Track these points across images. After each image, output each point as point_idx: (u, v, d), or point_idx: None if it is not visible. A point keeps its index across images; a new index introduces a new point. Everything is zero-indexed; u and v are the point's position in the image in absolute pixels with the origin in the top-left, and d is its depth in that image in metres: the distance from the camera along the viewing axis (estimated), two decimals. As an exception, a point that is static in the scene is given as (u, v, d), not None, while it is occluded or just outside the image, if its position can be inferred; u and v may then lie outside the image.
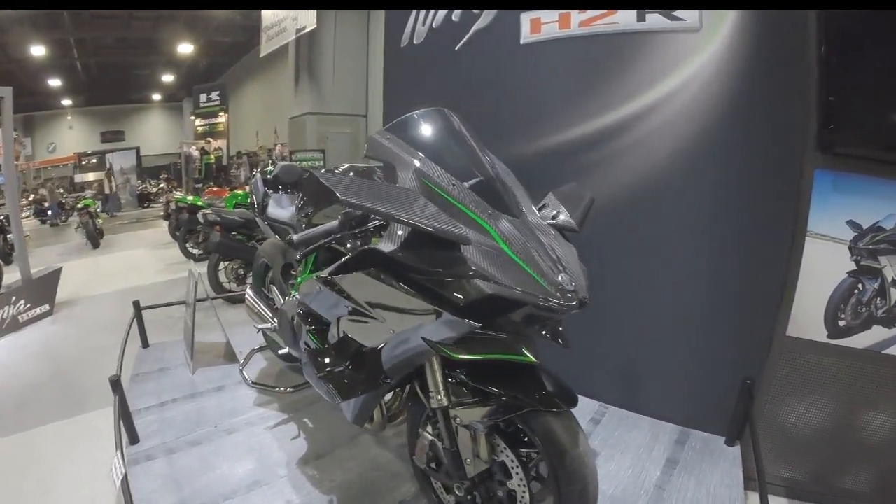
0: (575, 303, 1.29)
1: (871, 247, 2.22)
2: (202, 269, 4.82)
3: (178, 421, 2.51)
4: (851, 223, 2.24)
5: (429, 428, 1.69)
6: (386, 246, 1.33)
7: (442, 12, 3.23)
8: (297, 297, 2.13)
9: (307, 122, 9.36)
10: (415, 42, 3.43)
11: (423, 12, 3.34)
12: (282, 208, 2.62)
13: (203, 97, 15.35)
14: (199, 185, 11.20)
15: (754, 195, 2.38)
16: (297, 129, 9.69)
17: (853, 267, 2.26)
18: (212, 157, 13.81)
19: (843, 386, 2.31)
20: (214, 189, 7.55)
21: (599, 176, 2.67)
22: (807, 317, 2.34)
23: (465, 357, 1.38)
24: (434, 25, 3.29)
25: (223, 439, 2.39)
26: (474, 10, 3.04)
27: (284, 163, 2.95)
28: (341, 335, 1.67)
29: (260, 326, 2.68)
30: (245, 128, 14.65)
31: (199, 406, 2.67)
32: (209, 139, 14.71)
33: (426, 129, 1.64)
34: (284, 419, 2.60)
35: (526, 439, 1.55)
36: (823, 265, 2.29)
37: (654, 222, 2.56)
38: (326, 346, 1.73)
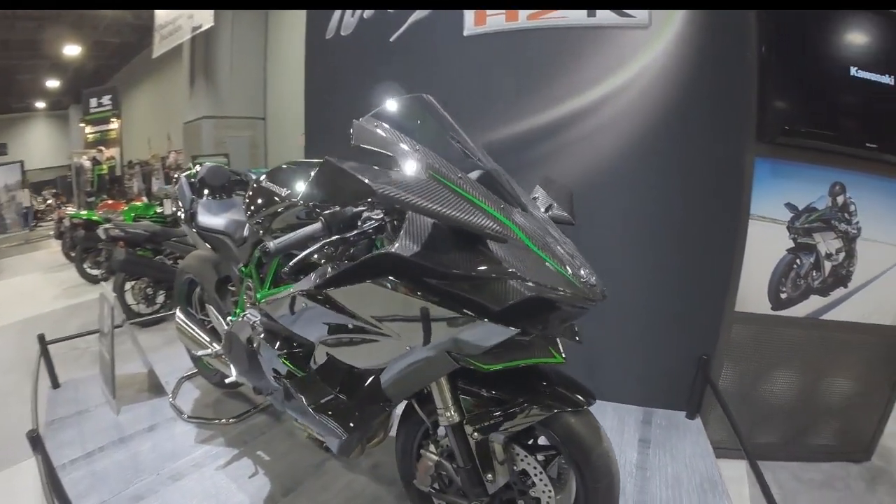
0: (600, 297, 1.15)
1: (806, 226, 2.32)
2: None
3: (111, 473, 2.01)
4: (789, 205, 2.33)
5: (431, 447, 1.49)
6: (405, 249, 1.08)
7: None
8: (252, 315, 1.79)
9: (203, 127, 8.42)
10: (342, 33, 3.11)
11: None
12: (214, 215, 2.22)
13: (93, 102, 13.15)
14: (92, 199, 9.73)
15: (701, 183, 2.41)
16: (193, 135, 8.69)
17: (791, 244, 2.36)
18: (104, 167, 12.02)
19: (789, 351, 2.43)
20: (109, 202, 6.52)
21: (550, 169, 2.56)
22: (752, 292, 2.40)
23: (496, 367, 1.20)
24: (365, 16, 2.99)
25: (170, 489, 1.94)
26: (414, 0, 2.79)
27: (210, 164, 2.51)
28: (327, 357, 1.41)
29: (199, 353, 2.23)
30: (137, 135, 12.96)
31: (132, 452, 2.17)
32: (101, 148, 12.80)
33: (413, 117, 1.39)
34: (236, 455, 2.20)
35: (542, 442, 1.42)
36: (765, 244, 2.37)
37: (606, 212, 2.51)
38: (311, 372, 1.46)
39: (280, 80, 8.76)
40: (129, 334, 2.64)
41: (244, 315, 1.87)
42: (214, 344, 2.24)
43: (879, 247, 2.28)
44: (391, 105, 1.39)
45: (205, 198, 2.39)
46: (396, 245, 1.08)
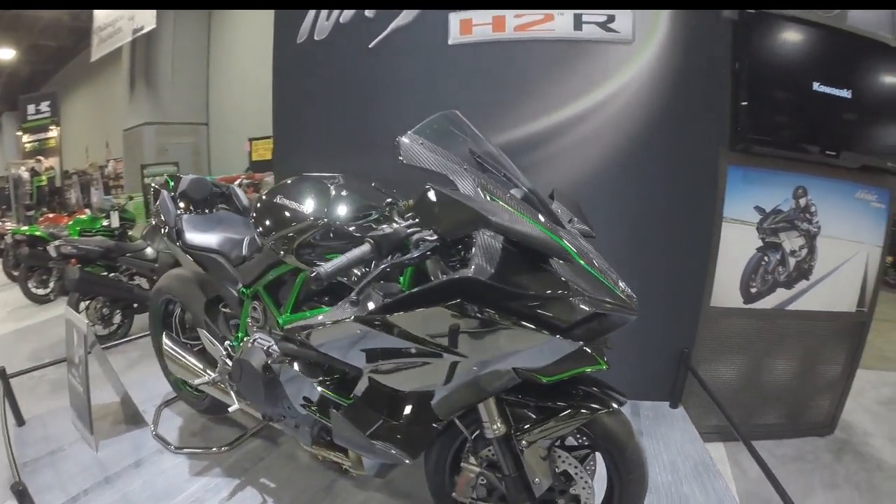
0: (636, 307, 1.19)
1: (773, 226, 2.46)
2: (54, 312, 3.64)
3: (103, 521, 1.77)
4: (758, 208, 2.46)
5: (472, 459, 1.46)
6: (481, 272, 1.05)
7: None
8: (263, 340, 1.66)
9: (144, 134, 7.75)
10: (316, 38, 2.93)
11: (327, 5, 2.88)
12: (203, 232, 2.01)
13: (31, 108, 11.67)
14: (32, 213, 8.65)
15: (679, 189, 2.49)
16: (134, 142, 7.98)
17: (760, 244, 2.50)
18: (44, 178, 10.72)
19: (760, 340, 2.56)
20: (50, 216, 5.81)
21: (536, 178, 2.53)
22: (726, 288, 2.52)
23: (557, 378, 1.20)
24: (342, 21, 2.83)
25: (175, 531, 1.74)
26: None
27: (192, 176, 2.28)
28: (369, 382, 1.35)
29: (196, 382, 2.02)
30: (74, 143, 11.68)
31: (121, 493, 1.93)
32: (39, 158, 11.41)
33: (453, 135, 1.36)
34: (238, 485, 2.01)
35: (569, 442, 1.45)
36: (737, 244, 2.50)
37: (591, 218, 2.52)
38: (357, 400, 1.37)
39: (223, 84, 8.25)
40: (98, 360, 2.35)
41: (253, 340, 1.71)
42: (209, 370, 2.04)
43: (837, 242, 2.45)
44: (434, 122, 1.37)
45: (187, 213, 2.18)
46: (472, 269, 1.05)
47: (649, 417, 2.50)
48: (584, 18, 2.41)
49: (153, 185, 2.35)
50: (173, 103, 7.85)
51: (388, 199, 1.48)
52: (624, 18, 2.38)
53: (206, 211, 2.26)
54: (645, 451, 1.40)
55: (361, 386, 1.38)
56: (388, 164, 2.84)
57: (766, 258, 2.49)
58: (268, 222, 1.54)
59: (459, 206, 1.05)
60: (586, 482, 1.42)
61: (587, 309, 1.08)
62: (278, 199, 1.55)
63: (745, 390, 2.57)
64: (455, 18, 2.56)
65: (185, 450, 2.19)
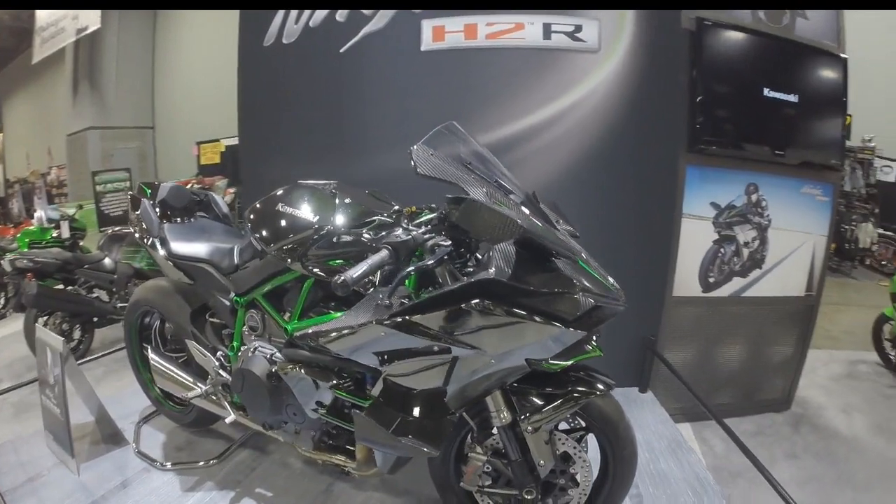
0: (624, 300, 1.29)
1: (727, 220, 2.62)
2: (8, 329, 3.35)
3: (99, 547, 1.67)
4: (714, 204, 2.60)
5: (478, 448, 1.51)
6: (501, 273, 1.12)
7: (322, 10, 2.73)
8: (265, 348, 1.64)
9: (89, 139, 7.22)
10: (284, 41, 2.85)
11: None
12: (189, 242, 1.93)
13: None
14: None
15: (642, 188, 2.61)
16: (78, 148, 7.41)
17: (716, 237, 2.65)
18: None
19: (719, 326, 2.72)
20: None
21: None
22: (686, 279, 2.66)
23: (563, 365, 1.30)
24: (311, 24, 2.77)
25: (175, 551, 1.67)
26: (364, 11, 2.63)
27: (169, 184, 2.16)
28: (390, 381, 1.37)
29: (190, 396, 1.93)
30: (14, 149, 10.69)
31: (112, 518, 1.82)
32: None
33: (454, 145, 1.40)
34: (233, 498, 1.95)
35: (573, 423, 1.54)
36: (695, 238, 2.64)
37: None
38: (377, 399, 1.39)
39: (169, 86, 7.83)
40: (73, 378, 2.20)
41: (254, 349, 1.66)
42: (199, 383, 1.95)
43: (785, 233, 2.64)
44: (440, 133, 1.41)
45: (166, 222, 2.08)
46: (494, 270, 1.12)
47: (622, 402, 2.58)
48: (553, 28, 2.47)
49: (130, 193, 2.22)
50: (118, 106, 7.38)
51: (395, 206, 1.49)
52: (590, 28, 2.46)
53: (186, 219, 2.16)
54: (633, 429, 1.51)
55: (379, 386, 1.38)
56: (360, 169, 2.83)
57: (721, 250, 2.65)
58: (269, 231, 1.52)
59: (500, 216, 1.14)
60: (584, 461, 1.50)
61: (591, 302, 1.16)
62: (279, 208, 1.53)
63: (707, 373, 2.72)
64: (428, 25, 2.57)
65: (173, 466, 2.10)
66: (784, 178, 2.56)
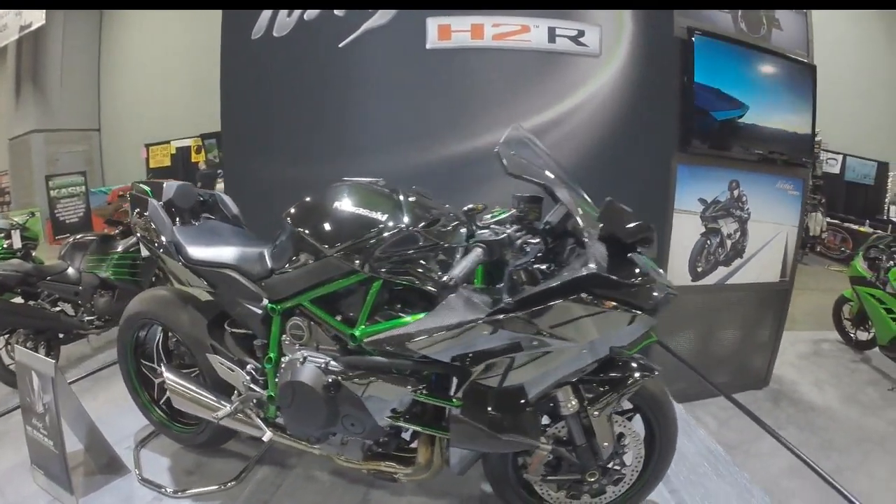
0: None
1: (713, 214, 2.70)
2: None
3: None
4: (701, 200, 2.69)
5: (542, 438, 1.44)
6: (601, 268, 1.12)
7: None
8: (317, 357, 1.47)
9: (32, 142, 6.35)
10: (275, 34, 2.61)
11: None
12: (207, 246, 1.70)
13: None
14: None
15: (637, 185, 2.62)
16: (21, 152, 6.48)
17: (703, 229, 2.72)
18: None
19: (705, 311, 2.81)
20: None
21: (511, 182, 2.52)
22: (677, 268, 2.74)
23: (636, 350, 1.35)
24: (306, 18, 2.55)
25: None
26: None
27: (176, 183, 1.88)
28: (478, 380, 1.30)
29: (220, 416, 1.67)
30: None
31: (131, 556, 1.55)
32: None
33: (528, 146, 1.40)
34: (262, 520, 1.72)
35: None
36: (685, 231, 2.72)
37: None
38: (465, 400, 1.32)
39: (116, 87, 7.11)
40: (66, 403, 1.87)
41: (303, 359, 1.48)
42: (223, 401, 1.70)
43: (763, 225, 2.78)
44: (510, 136, 1.40)
45: (183, 225, 1.82)
46: (593, 265, 1.12)
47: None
48: (558, 32, 2.43)
49: (128, 193, 1.91)
50: (63, 108, 6.59)
51: (469, 205, 1.36)
52: (592, 34, 2.44)
53: (193, 222, 1.90)
54: (675, 408, 1.54)
55: (469, 385, 1.30)
56: (358, 168, 2.65)
57: (708, 241, 2.73)
58: (330, 232, 1.37)
59: (633, 216, 1.19)
60: (637, 440, 1.52)
61: (667, 290, 1.17)
62: (339, 207, 1.39)
63: (696, 356, 2.79)
64: (433, 23, 2.44)
65: (186, 492, 1.83)
66: (761, 175, 2.68)
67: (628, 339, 1.23)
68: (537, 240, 1.22)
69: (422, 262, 1.35)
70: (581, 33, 2.42)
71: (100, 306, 3.41)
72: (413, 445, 1.56)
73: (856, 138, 6.87)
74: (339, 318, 1.44)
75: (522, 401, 1.31)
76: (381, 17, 2.47)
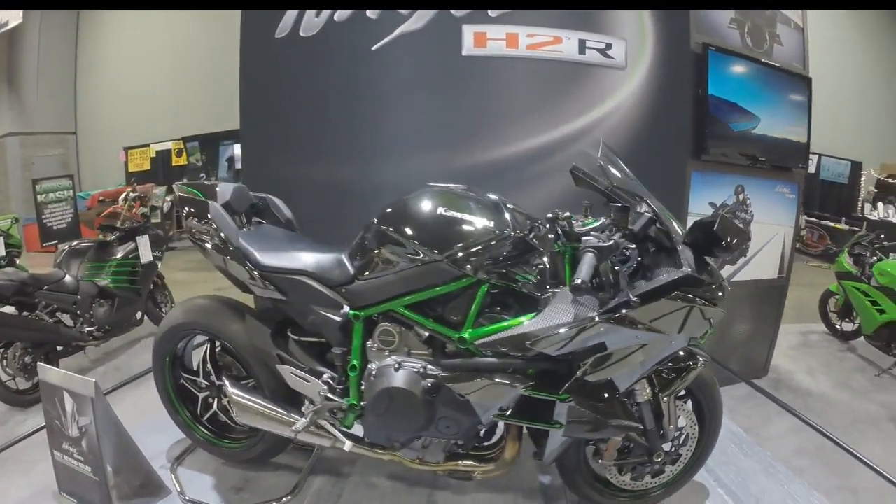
0: None
1: (721, 217, 2.73)
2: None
3: None
4: (711, 203, 2.79)
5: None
6: (693, 270, 1.22)
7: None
8: (413, 363, 1.41)
9: (8, 146, 5.70)
10: (302, 34, 2.48)
11: (321, 0, 2.47)
12: (277, 252, 1.56)
13: None
14: None
15: (656, 190, 2.58)
16: None
17: (713, 231, 2.75)
18: None
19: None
20: None
21: (540, 188, 2.53)
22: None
23: (703, 341, 1.40)
24: (336, 18, 2.42)
25: None
26: (401, 11, 2.36)
27: (232, 184, 1.69)
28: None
29: (298, 429, 1.52)
30: None
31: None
32: None
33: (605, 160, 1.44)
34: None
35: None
36: (696, 233, 2.71)
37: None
38: (581, 390, 1.35)
39: (93, 89, 6.56)
40: (105, 424, 1.65)
41: (398, 364, 1.41)
42: (293, 414, 1.54)
43: (764, 226, 2.90)
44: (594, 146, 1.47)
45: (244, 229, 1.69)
46: (687, 268, 1.20)
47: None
48: (588, 44, 2.43)
49: (170, 197, 1.70)
50: (39, 111, 5.98)
51: (566, 213, 1.41)
52: (619, 47, 2.46)
53: (249, 226, 1.74)
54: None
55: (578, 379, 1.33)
56: (387, 172, 2.55)
57: (717, 243, 2.77)
58: (438, 238, 1.33)
59: (742, 228, 1.28)
60: (693, 421, 1.60)
61: (727, 290, 1.28)
62: (444, 213, 1.36)
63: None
64: (469, 31, 2.39)
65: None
66: (762, 180, 2.79)
67: (703, 330, 1.31)
68: (633, 245, 1.27)
69: (522, 266, 1.37)
70: (609, 46, 2.44)
71: (99, 316, 3.10)
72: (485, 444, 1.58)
73: (830, 139, 7.03)
74: (439, 322, 1.39)
75: (616, 391, 1.37)
76: (416, 20, 2.39)
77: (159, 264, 3.79)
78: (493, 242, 1.31)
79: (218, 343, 1.79)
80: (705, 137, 2.57)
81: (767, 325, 2.98)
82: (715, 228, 1.22)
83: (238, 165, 8.71)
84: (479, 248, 1.30)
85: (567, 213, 1.41)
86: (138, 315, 3.51)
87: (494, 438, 1.62)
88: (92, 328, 3.05)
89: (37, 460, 2.14)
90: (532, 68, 2.41)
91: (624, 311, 1.20)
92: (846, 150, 7.47)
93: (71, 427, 1.62)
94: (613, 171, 1.38)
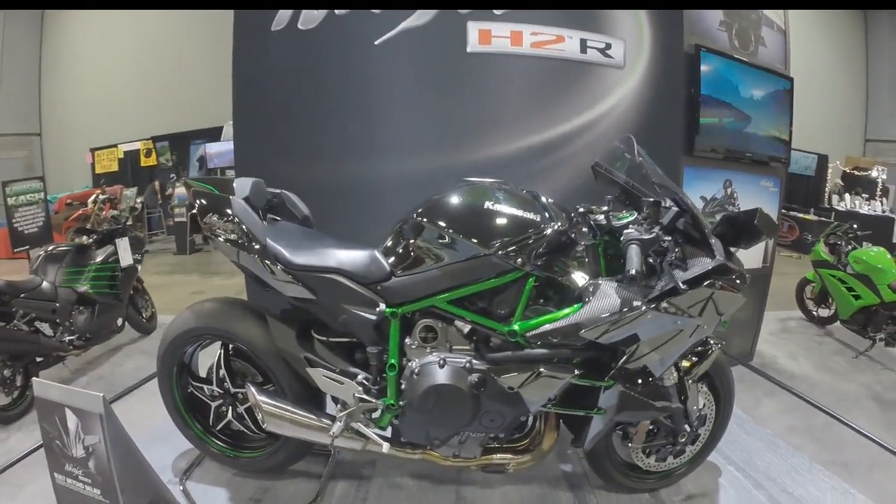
0: None
1: (711, 210, 2.84)
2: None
3: None
4: (702, 197, 2.85)
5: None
6: (724, 259, 1.26)
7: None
8: (457, 358, 1.37)
9: None
10: (300, 27, 2.38)
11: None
12: (307, 249, 1.46)
13: None
14: None
15: (651, 185, 2.67)
16: None
17: (704, 224, 2.83)
18: None
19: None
20: None
21: (546, 183, 2.51)
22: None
23: (727, 326, 1.44)
24: (338, 11, 2.33)
25: None
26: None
27: (250, 179, 1.58)
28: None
29: (335, 434, 1.44)
30: None
31: None
32: None
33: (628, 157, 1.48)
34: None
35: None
36: (688, 227, 2.78)
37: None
38: (627, 376, 1.39)
39: (58, 88, 6.11)
40: (115, 441, 1.51)
41: (442, 360, 1.36)
42: (324, 419, 1.47)
43: None
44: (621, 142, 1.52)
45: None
46: (721, 257, 1.24)
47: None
48: (589, 43, 2.44)
49: (194, 189, 1.56)
50: (1, 112, 5.51)
51: (604, 207, 1.45)
52: (618, 47, 2.48)
53: (267, 222, 1.64)
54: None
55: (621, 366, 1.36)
56: (389, 170, 2.49)
57: (707, 235, 2.86)
58: (488, 232, 1.31)
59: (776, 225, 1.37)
60: (712, 402, 1.67)
61: (747, 277, 1.34)
62: (491, 207, 1.34)
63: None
64: (473, 27, 2.35)
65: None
66: (748, 174, 2.89)
67: (728, 315, 1.35)
68: (669, 238, 1.29)
69: (563, 258, 1.37)
70: (608, 46, 2.46)
71: (79, 324, 2.88)
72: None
73: (797, 133, 7.40)
74: (484, 315, 1.36)
75: (652, 376, 1.40)
76: (419, 16, 2.34)
77: (139, 267, 3.57)
78: (541, 236, 1.30)
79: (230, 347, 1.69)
80: (696, 134, 2.64)
81: (753, 313, 3.09)
82: (756, 222, 1.26)
83: (210, 165, 8.41)
84: (530, 241, 1.29)
85: (605, 208, 1.43)
86: (119, 321, 3.29)
87: (525, 430, 1.60)
88: (72, 337, 2.83)
89: (24, 483, 1.96)
90: (536, 66, 2.39)
91: (670, 298, 1.21)
92: (813, 144, 7.69)
93: (75, 447, 1.46)
94: (644, 167, 1.40)
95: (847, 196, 6.82)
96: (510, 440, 1.55)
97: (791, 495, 1.75)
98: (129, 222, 3.68)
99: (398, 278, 1.38)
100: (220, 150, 7.11)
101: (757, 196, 2.93)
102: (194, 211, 1.58)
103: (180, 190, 6.73)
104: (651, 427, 1.61)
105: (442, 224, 1.33)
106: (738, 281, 1.31)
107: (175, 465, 1.87)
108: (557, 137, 2.46)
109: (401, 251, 1.40)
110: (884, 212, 6.68)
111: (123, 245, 3.34)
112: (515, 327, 1.30)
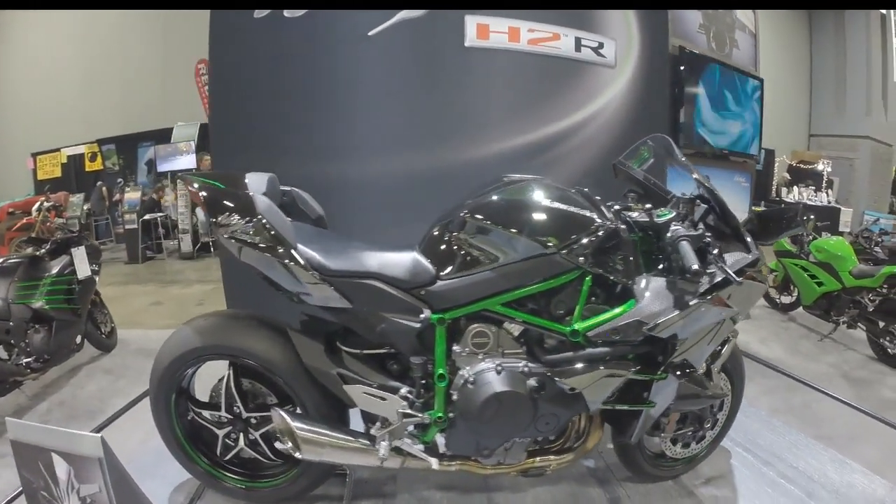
0: None
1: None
2: None
3: None
4: (683, 193, 2.84)
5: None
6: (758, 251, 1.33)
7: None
8: (513, 362, 1.29)
9: None
10: (286, 14, 2.22)
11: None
12: (340, 253, 1.30)
13: None
14: None
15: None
16: None
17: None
18: None
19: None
20: None
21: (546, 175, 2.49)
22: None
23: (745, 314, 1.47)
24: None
25: None
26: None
27: (267, 175, 1.38)
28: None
29: (384, 455, 1.32)
30: None
31: None
32: None
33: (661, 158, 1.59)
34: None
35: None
36: (674, 222, 2.87)
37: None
38: (678, 367, 1.35)
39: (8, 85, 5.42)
40: (117, 485, 1.30)
41: (499, 367, 1.27)
42: (363, 440, 1.33)
43: None
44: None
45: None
46: (755, 250, 1.29)
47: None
48: (583, 42, 2.44)
49: (201, 188, 1.33)
50: None
51: (647, 205, 1.47)
52: (610, 47, 2.50)
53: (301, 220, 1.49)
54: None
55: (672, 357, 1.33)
56: (377, 167, 2.38)
57: (687, 229, 2.95)
58: (551, 230, 1.25)
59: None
60: (729, 388, 1.68)
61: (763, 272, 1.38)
62: (548, 204, 1.28)
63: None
64: (472, 21, 2.29)
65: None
66: (723, 170, 2.99)
67: (754, 304, 1.42)
68: (709, 233, 1.28)
69: (614, 256, 1.31)
70: (601, 45, 2.47)
71: (36, 344, 2.53)
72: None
73: None
74: (541, 317, 1.28)
75: (692, 366, 1.38)
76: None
77: (97, 279, 3.20)
78: (600, 234, 1.24)
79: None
80: (679, 131, 2.72)
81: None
82: (798, 218, 1.33)
83: (160, 169, 7.77)
84: (593, 240, 1.23)
85: (648, 206, 1.43)
86: (78, 339, 2.93)
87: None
88: (29, 359, 2.47)
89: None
90: (530, 63, 2.36)
91: (713, 294, 1.21)
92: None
93: (68, 498, 1.24)
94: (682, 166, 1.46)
95: (795, 188, 7.29)
96: (548, 441, 1.48)
97: (796, 469, 1.83)
98: (77, 230, 3.32)
99: (444, 281, 1.26)
100: (170, 153, 6.61)
101: (732, 191, 3.07)
102: (198, 209, 1.38)
103: (130, 195, 6.19)
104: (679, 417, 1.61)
105: (499, 222, 1.24)
106: (760, 271, 1.34)
107: (172, 499, 1.66)
108: (552, 135, 2.44)
109: (445, 252, 1.28)
110: (829, 203, 7.25)
111: (80, 255, 2.97)
112: (577, 327, 1.24)
